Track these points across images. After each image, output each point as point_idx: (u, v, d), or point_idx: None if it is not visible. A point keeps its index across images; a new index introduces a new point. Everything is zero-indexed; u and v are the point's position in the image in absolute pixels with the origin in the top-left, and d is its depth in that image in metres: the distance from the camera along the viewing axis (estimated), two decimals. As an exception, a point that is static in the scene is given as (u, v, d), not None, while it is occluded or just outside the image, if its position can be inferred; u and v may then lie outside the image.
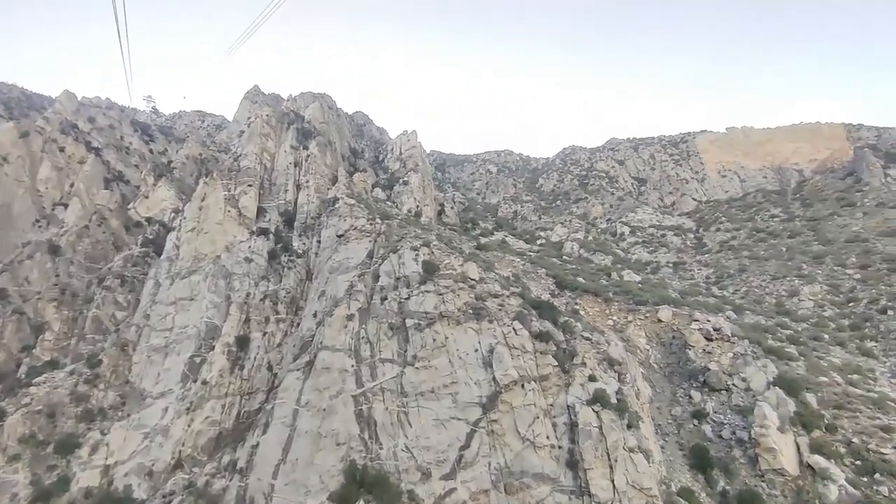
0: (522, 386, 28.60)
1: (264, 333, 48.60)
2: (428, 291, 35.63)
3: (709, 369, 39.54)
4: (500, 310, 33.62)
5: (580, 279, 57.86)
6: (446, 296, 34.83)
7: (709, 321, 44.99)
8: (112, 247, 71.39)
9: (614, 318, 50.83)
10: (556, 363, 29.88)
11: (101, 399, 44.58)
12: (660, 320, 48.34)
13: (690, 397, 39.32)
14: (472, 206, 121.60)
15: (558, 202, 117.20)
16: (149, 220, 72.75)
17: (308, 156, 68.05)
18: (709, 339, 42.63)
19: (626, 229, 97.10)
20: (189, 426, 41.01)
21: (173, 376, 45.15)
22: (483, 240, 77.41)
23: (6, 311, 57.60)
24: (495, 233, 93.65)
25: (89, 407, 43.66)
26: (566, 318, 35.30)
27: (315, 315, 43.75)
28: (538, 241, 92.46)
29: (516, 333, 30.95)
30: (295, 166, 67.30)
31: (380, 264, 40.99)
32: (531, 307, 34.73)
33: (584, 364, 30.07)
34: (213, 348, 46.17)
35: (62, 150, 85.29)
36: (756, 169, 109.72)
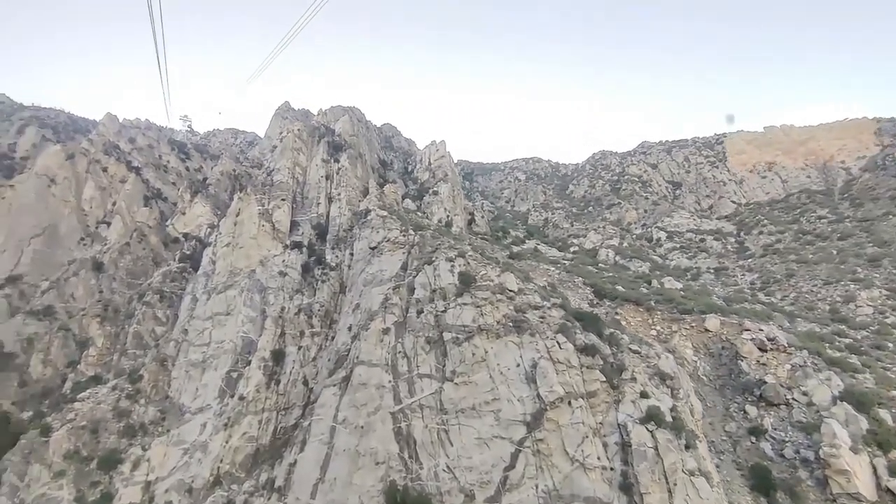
0: (569, 403, 27.16)
1: (299, 347, 48.43)
2: (465, 304, 34.62)
3: (765, 382, 37.05)
4: (541, 322, 32.29)
5: (619, 287, 55.80)
6: (484, 308, 33.74)
7: (761, 330, 42.41)
8: (152, 263, 73.22)
9: (658, 328, 48.64)
10: (604, 378, 28.30)
11: (142, 414, 45.08)
12: (707, 330, 45.92)
13: (745, 412, 36.90)
14: (502, 214, 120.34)
15: (590, 208, 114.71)
16: (186, 235, 74.39)
17: (339, 168, 68.35)
18: (763, 350, 40.09)
19: (663, 234, 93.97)
20: (227, 442, 40.91)
21: (211, 391, 45.35)
22: (515, 248, 75.97)
23: (53, 327, 59.41)
24: (527, 241, 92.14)
25: (131, 422, 44.18)
26: (612, 330, 33.64)
27: (350, 328, 43.29)
28: (571, 249, 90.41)
29: (560, 347, 29.56)
30: (326, 179, 67.64)
31: (415, 276, 40.24)
32: (574, 319, 33.24)
33: (633, 379, 28.41)
34: (249, 363, 46.23)
35: (105, 170, 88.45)
36: (798, 168, 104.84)
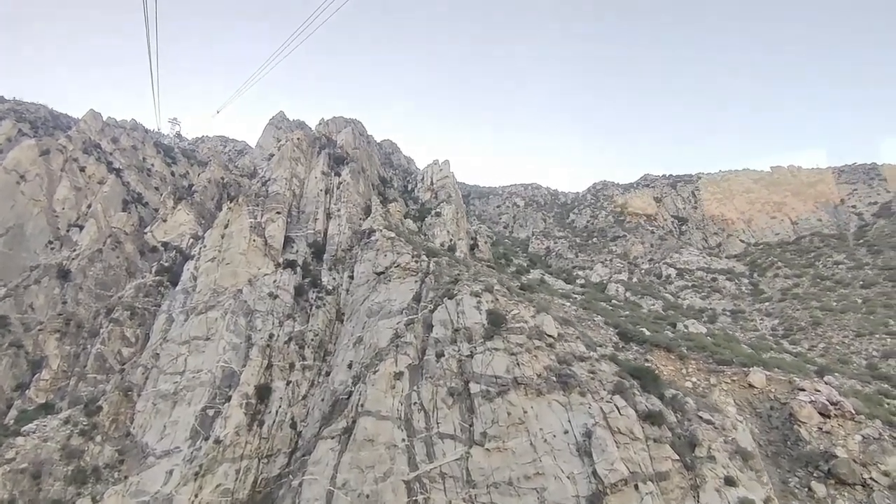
0: (636, 487, 21.72)
1: (288, 383, 42.25)
2: (496, 349, 29.17)
3: (834, 456, 31.93)
4: (591, 378, 26.98)
5: (645, 330, 50.81)
6: (520, 356, 28.32)
7: (818, 391, 37.52)
8: (125, 273, 66.31)
9: (693, 379, 43.45)
10: (676, 456, 23.04)
11: (97, 455, 38.16)
12: (751, 385, 40.94)
13: (811, 490, 31.57)
14: (500, 240, 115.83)
15: (594, 239, 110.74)
16: (165, 245, 67.85)
17: (340, 183, 63.07)
18: (824, 416, 35.15)
19: (672, 271, 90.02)
20: (196, 496, 34.25)
21: (181, 431, 38.68)
22: (524, 278, 70.97)
23: (3, 342, 52.03)
24: (531, 270, 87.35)
25: (82, 465, 37.19)
26: (674, 392, 28.45)
27: (350, 366, 37.44)
28: (577, 282, 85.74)
29: (620, 413, 24.24)
30: (326, 193, 62.22)
31: (431, 311, 34.74)
32: (630, 375, 28.01)
33: (711, 458, 23.17)
34: (229, 399, 39.80)
35: (83, 169, 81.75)
36: (809, 211, 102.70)
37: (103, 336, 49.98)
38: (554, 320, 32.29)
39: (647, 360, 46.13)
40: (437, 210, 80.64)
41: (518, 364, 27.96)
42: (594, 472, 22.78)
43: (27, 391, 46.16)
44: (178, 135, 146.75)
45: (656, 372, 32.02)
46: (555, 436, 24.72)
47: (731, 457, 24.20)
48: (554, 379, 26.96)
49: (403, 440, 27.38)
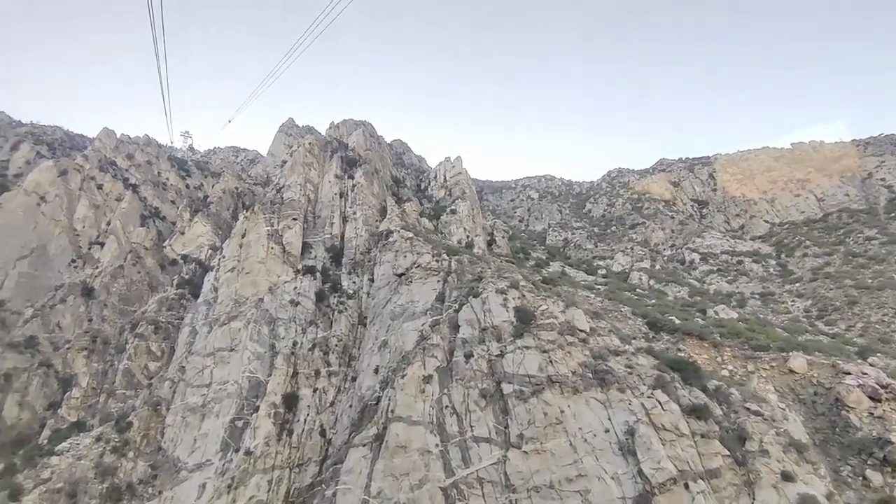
0: (686, 486, 20.65)
1: (315, 390, 41.84)
2: (527, 347, 28.24)
3: (890, 442, 30.29)
4: (629, 373, 25.91)
5: (674, 319, 49.29)
6: (553, 353, 27.35)
7: (865, 374, 35.80)
8: (147, 287, 66.79)
9: (729, 367, 41.89)
10: (727, 451, 21.88)
11: (130, 472, 38.21)
12: (792, 371, 39.28)
13: (866, 479, 29.99)
14: (517, 234, 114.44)
15: (613, 228, 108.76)
16: (185, 258, 68.11)
17: (354, 185, 62.53)
18: (875, 399, 33.48)
19: (696, 256, 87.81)
20: (230, 509, 34.02)
21: (212, 443, 38.52)
22: (545, 272, 69.71)
23: (34, 362, 52.67)
24: (550, 263, 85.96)
25: (116, 482, 37.28)
26: (718, 383, 27.21)
27: (377, 371, 36.82)
28: (599, 272, 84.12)
29: (662, 408, 23.16)
30: (340, 197, 61.77)
31: (457, 310, 33.92)
32: (669, 368, 26.84)
33: (765, 452, 21.95)
34: (256, 409, 39.52)
35: (100, 187, 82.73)
36: (835, 186, 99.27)
37: (129, 351, 50.22)
38: (584, 314, 31.22)
39: (679, 350, 44.68)
40: (453, 207, 79.73)
41: (551, 362, 27.00)
42: (640, 472, 21.74)
43: (59, 410, 46.56)
44: (191, 147, 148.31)
45: (695, 363, 30.70)
46: (595, 435, 23.72)
47: (786, 450, 22.92)
48: (590, 376, 25.94)
49: (437, 445, 26.65)
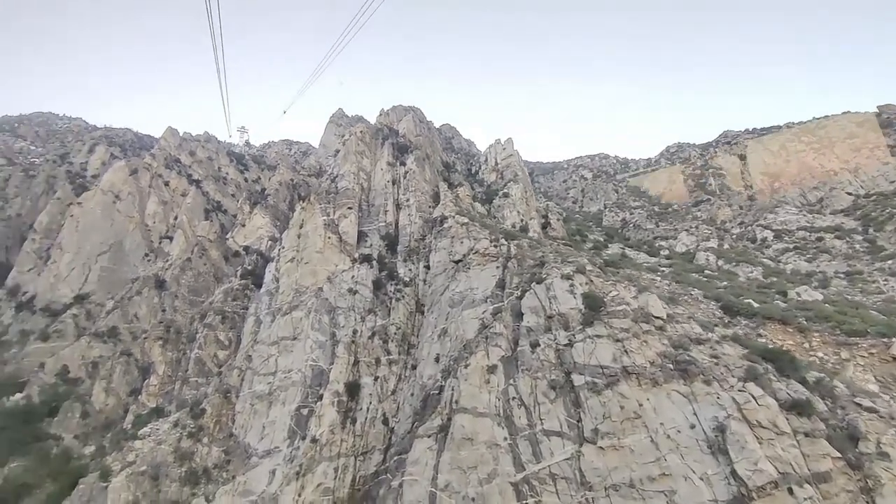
0: (790, 490, 18.59)
1: (375, 378, 41.93)
2: (599, 336, 26.59)
3: None
4: (714, 363, 23.79)
5: (752, 302, 45.64)
6: (627, 343, 25.57)
7: None
8: (213, 278, 69.67)
9: (819, 354, 38.28)
10: (837, 453, 19.54)
11: (206, 456, 39.87)
12: (894, 358, 35.34)
13: None
14: (571, 216, 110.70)
15: (674, 206, 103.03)
16: (247, 249, 70.39)
17: (406, 172, 61.97)
18: None
19: (769, 234, 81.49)
20: (300, 495, 34.76)
21: (279, 431, 39.49)
22: (604, 254, 66.77)
23: (116, 351, 56.23)
24: (609, 245, 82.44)
25: (193, 466, 38.98)
26: (819, 375, 24.56)
27: (437, 359, 36.26)
28: (661, 253, 79.80)
29: (757, 403, 21.00)
30: (393, 184, 61.43)
31: (519, 297, 32.62)
32: (760, 358, 24.44)
33: (884, 455, 19.40)
34: (320, 397, 40.10)
35: (167, 184, 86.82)
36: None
37: (199, 341, 52.44)
38: (659, 299, 29.05)
39: (759, 336, 41.41)
40: (505, 190, 77.78)
41: (626, 351, 25.24)
42: (733, 473, 19.82)
43: (140, 396, 49.46)
44: (247, 142, 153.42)
45: (790, 352, 27.92)
46: (679, 431, 21.92)
47: (906, 450, 20.24)
48: (670, 366, 24.01)
49: (505, 438, 25.69)
